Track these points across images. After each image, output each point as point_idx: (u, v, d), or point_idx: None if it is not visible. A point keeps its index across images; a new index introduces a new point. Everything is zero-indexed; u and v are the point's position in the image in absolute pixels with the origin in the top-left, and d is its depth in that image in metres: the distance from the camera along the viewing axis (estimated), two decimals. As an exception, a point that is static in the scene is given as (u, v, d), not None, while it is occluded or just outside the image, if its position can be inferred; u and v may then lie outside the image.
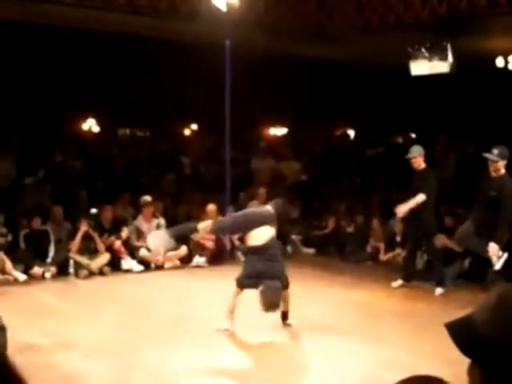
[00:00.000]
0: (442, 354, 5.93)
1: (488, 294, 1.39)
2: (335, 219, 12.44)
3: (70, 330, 6.95)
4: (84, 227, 10.25)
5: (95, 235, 10.37)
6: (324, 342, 6.59)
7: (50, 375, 5.60)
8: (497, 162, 7.97)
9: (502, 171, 8.06)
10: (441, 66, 11.21)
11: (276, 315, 6.97)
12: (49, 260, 10.11)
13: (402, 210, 9.01)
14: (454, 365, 1.83)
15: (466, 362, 1.36)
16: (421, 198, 8.87)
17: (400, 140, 17.66)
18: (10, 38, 13.85)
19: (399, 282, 9.33)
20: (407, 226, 9.84)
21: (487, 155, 8.05)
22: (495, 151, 7.99)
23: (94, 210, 10.79)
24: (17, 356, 5.96)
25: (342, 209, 12.67)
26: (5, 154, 12.22)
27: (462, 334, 1.34)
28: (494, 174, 8.06)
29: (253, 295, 6.58)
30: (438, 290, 8.96)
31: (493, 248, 7.76)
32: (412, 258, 9.57)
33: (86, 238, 10.35)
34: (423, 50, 11.28)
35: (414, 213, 8.99)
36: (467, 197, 10.63)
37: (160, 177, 13.66)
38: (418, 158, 9.12)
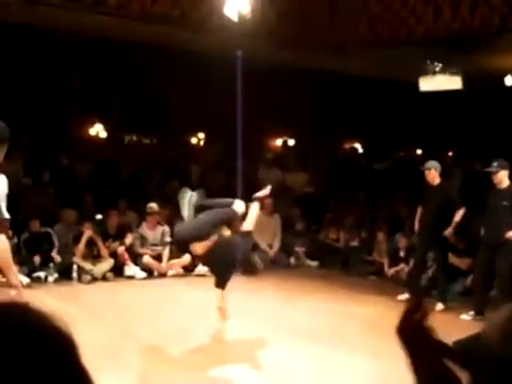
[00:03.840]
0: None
1: (496, 313, 1.38)
2: (343, 232, 12.41)
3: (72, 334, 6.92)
4: (88, 233, 10.25)
5: (99, 241, 10.37)
6: (325, 355, 6.55)
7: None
8: (497, 172, 8.12)
9: (507, 181, 8.14)
10: (453, 83, 11.22)
11: (277, 328, 6.93)
12: (51, 264, 10.09)
13: (451, 231, 8.91)
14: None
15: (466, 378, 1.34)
16: (462, 212, 8.84)
17: (407, 155, 17.67)
18: (20, 42, 13.91)
19: (405, 295, 9.27)
20: (420, 240, 9.52)
21: (488, 169, 8.24)
22: (494, 163, 8.19)
23: (99, 216, 10.79)
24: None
25: (348, 222, 12.64)
26: (13, 156, 12.24)
27: (469, 352, 1.33)
28: (499, 187, 8.16)
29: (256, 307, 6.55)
30: (439, 306, 8.93)
31: None
32: (420, 273, 9.50)
33: (90, 243, 10.35)
34: (434, 65, 11.28)
35: (428, 226, 8.95)
36: (472, 214, 10.62)
37: (166, 184, 13.67)
38: (432, 171, 9.09)
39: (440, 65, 11.39)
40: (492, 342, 1.31)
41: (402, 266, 10.89)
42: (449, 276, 9.67)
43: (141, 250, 10.83)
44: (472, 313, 8.24)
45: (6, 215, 3.89)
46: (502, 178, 8.14)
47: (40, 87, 14.98)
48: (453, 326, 7.74)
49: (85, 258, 10.23)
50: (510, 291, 8.10)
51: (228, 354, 6.55)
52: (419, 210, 9.32)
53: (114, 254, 10.51)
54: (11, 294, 8.31)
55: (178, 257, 10.98)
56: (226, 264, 6.74)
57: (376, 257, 11.57)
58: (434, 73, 11.51)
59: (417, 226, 9.33)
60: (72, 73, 15.98)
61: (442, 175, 9.28)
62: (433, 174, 9.10)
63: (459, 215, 8.86)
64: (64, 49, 15.00)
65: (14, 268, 9.38)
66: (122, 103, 16.65)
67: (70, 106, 16.25)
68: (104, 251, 10.37)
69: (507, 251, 7.98)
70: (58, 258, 10.18)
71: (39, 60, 14.88)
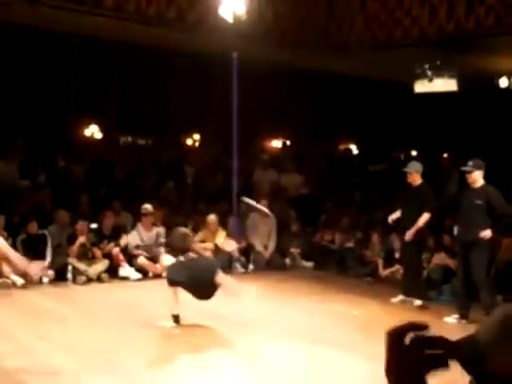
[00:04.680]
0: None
1: (491, 314, 1.39)
2: (338, 234, 12.42)
3: (67, 335, 6.92)
4: (82, 239, 10.25)
5: (92, 248, 10.36)
6: (320, 356, 6.55)
7: (46, 379, 5.57)
8: (471, 172, 8.16)
9: (481, 181, 8.18)
10: (447, 85, 11.24)
11: (273, 328, 6.92)
12: (46, 264, 10.08)
13: (411, 234, 8.91)
14: (451, 383, 1.84)
15: (462, 380, 1.35)
16: (425, 217, 8.88)
17: (402, 156, 17.71)
18: (17, 43, 13.90)
19: (400, 297, 9.30)
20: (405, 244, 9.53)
21: (463, 168, 8.30)
22: (470, 163, 8.23)
23: (94, 225, 10.77)
24: (13, 360, 5.95)
25: (343, 223, 12.65)
26: (9, 156, 12.23)
27: (465, 353, 1.33)
28: (473, 186, 8.21)
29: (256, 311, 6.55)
30: (417, 302, 9.00)
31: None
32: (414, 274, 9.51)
33: (84, 244, 10.34)
34: (429, 67, 11.31)
35: (405, 227, 9.01)
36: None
37: (161, 185, 13.67)
38: (413, 173, 9.14)
39: (437, 66, 11.41)
40: (486, 345, 1.31)
41: (396, 267, 10.90)
42: (442, 277, 9.73)
43: (136, 251, 10.80)
44: (456, 316, 8.23)
45: None
46: (476, 177, 8.16)
47: (36, 88, 14.97)
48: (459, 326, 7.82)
49: (79, 258, 10.22)
50: (490, 288, 8.13)
51: (224, 355, 6.54)
52: (398, 210, 9.33)
53: (108, 255, 10.50)
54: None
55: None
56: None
57: (369, 256, 11.55)
58: (430, 75, 11.53)
59: (389, 221, 9.37)
60: (68, 74, 15.97)
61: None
62: (413, 176, 9.14)
63: (422, 220, 8.87)
64: (61, 50, 14.99)
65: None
66: (118, 104, 16.64)
67: (66, 107, 16.24)
68: (97, 253, 10.36)
69: (480, 250, 8.00)
70: (49, 258, 10.15)
71: (35, 61, 14.87)
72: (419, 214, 8.91)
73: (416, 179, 9.14)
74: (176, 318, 7.38)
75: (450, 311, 8.49)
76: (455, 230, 8.58)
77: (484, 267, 8.09)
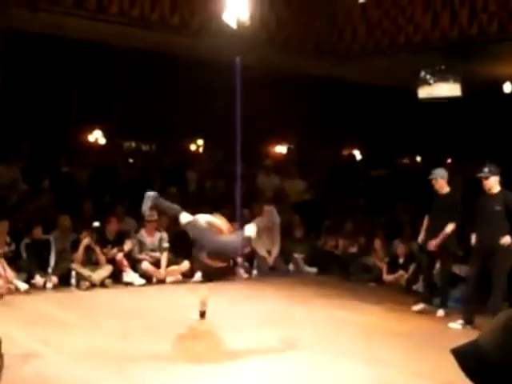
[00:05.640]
0: (438, 376, 5.92)
1: (494, 319, 1.39)
2: (342, 239, 12.41)
3: (71, 340, 6.92)
4: (86, 241, 10.25)
5: (97, 248, 10.35)
6: (322, 361, 6.55)
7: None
8: (487, 177, 8.06)
9: (498, 187, 8.12)
10: (451, 90, 11.22)
11: (275, 334, 6.91)
12: (49, 270, 10.10)
13: (435, 243, 8.80)
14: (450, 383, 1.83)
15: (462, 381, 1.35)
16: (450, 228, 8.75)
17: (406, 161, 17.69)
18: (20, 48, 13.94)
19: (420, 305, 9.19)
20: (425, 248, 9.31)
21: (479, 174, 8.18)
22: (485, 169, 8.12)
23: (96, 224, 10.77)
24: (18, 366, 5.94)
25: (346, 229, 12.64)
26: (13, 162, 12.25)
27: (468, 359, 1.33)
28: (490, 192, 8.12)
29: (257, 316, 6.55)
30: (440, 312, 8.92)
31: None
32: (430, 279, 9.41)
33: (89, 249, 10.34)
34: (432, 73, 11.30)
35: (435, 235, 8.88)
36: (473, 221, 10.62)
37: (164, 190, 13.66)
38: (438, 180, 8.94)
39: (441, 72, 11.39)
40: (489, 350, 1.31)
41: (400, 272, 10.89)
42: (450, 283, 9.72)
43: (139, 256, 10.83)
44: (461, 321, 8.18)
45: None
46: (492, 183, 8.08)
47: (40, 93, 15.00)
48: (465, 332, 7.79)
49: (83, 264, 10.23)
50: (503, 294, 8.10)
51: (226, 360, 6.54)
52: (426, 219, 9.19)
53: (112, 261, 10.50)
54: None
55: (177, 263, 10.99)
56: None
57: (373, 261, 11.51)
58: (434, 81, 11.51)
59: (422, 235, 9.18)
60: (72, 79, 16.01)
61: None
62: (440, 183, 8.95)
63: (449, 228, 8.74)
64: (64, 55, 15.03)
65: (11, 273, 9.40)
66: (121, 110, 16.67)
67: (70, 113, 16.27)
68: (102, 259, 10.35)
69: (501, 256, 7.94)
70: (53, 263, 10.15)
71: (39, 66, 14.91)
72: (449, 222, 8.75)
73: (443, 186, 8.94)
74: (202, 314, 7.70)
75: (456, 315, 8.50)
76: (473, 238, 8.40)
77: (505, 273, 8.04)
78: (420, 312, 9.00)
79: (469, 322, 8.11)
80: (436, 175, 9.00)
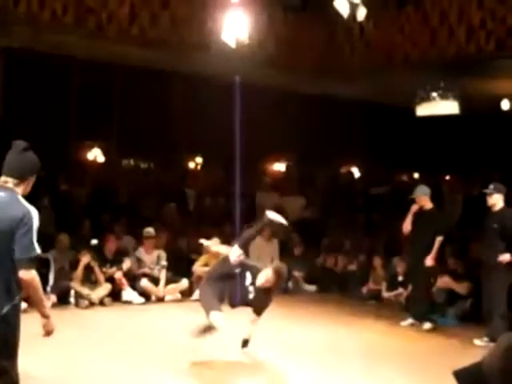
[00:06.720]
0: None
1: (495, 343, 1.38)
2: (341, 257, 12.39)
3: (69, 359, 6.88)
4: (85, 259, 10.23)
5: (96, 266, 10.33)
6: (323, 379, 6.52)
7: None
8: (491, 194, 8.21)
9: (500, 205, 8.21)
10: (449, 107, 11.28)
11: (275, 351, 6.88)
12: (48, 288, 10.05)
13: (432, 259, 8.92)
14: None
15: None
16: (439, 241, 8.89)
17: (405, 179, 17.70)
18: (19, 66, 13.98)
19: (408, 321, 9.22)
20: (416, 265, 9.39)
21: (484, 190, 8.36)
22: (491, 186, 8.33)
23: (94, 241, 10.76)
24: None
25: (346, 246, 12.63)
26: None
27: (470, 382, 1.33)
28: (492, 209, 8.27)
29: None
30: (427, 325, 8.96)
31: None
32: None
33: (88, 268, 10.31)
34: (431, 90, 11.36)
35: (417, 251, 8.97)
36: (471, 238, 10.63)
37: (163, 208, 13.66)
38: (421, 197, 9.12)
39: (439, 90, 11.45)
40: (490, 376, 1.30)
41: (400, 290, 10.86)
42: (448, 300, 9.70)
43: (138, 271, 10.83)
44: (486, 339, 8.07)
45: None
46: (495, 200, 8.22)
47: (38, 111, 15.02)
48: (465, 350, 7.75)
49: (82, 283, 10.20)
50: (504, 313, 8.07)
51: (226, 379, 6.51)
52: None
53: (111, 279, 10.47)
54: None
55: (175, 281, 10.96)
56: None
57: (372, 284, 11.50)
58: (432, 98, 11.57)
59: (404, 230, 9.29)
60: (70, 97, 16.04)
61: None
62: (422, 199, 9.12)
63: (438, 244, 8.89)
64: (63, 73, 15.06)
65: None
66: (120, 128, 16.68)
67: (69, 131, 16.28)
68: (101, 277, 10.32)
69: (499, 274, 7.98)
70: (52, 281, 10.11)
71: (38, 84, 14.94)
72: (432, 239, 8.88)
73: (426, 203, 9.12)
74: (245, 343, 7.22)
75: (455, 333, 8.47)
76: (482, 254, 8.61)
77: (503, 291, 8.05)
78: (430, 330, 8.96)
79: (493, 339, 8.01)
80: (418, 193, 9.17)
